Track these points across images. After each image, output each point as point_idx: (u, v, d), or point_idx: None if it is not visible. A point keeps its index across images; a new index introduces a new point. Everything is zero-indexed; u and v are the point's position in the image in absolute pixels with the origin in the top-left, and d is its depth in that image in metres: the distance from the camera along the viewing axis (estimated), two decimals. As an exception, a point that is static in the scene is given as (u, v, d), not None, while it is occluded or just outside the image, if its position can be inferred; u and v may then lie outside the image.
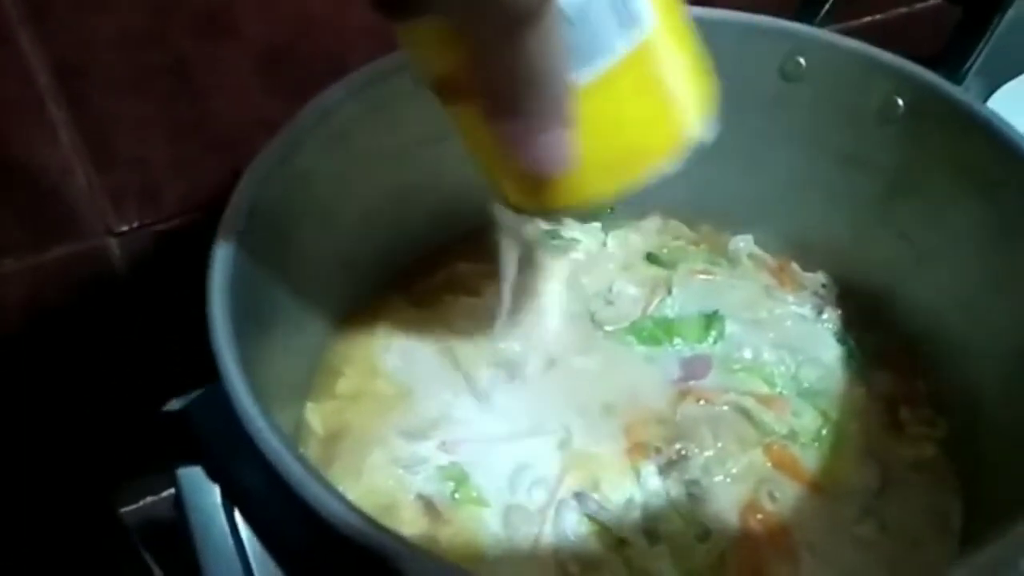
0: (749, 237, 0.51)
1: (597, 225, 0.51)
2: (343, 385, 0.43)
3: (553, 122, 0.26)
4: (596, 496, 0.38)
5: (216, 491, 0.40)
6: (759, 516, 0.38)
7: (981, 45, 0.51)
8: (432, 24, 0.26)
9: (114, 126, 0.46)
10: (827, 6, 0.54)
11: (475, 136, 0.29)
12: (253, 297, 0.34)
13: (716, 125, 0.31)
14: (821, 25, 0.54)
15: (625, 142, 0.29)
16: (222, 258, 0.33)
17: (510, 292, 0.42)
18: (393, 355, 0.44)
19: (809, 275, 0.49)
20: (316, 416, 0.42)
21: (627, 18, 0.27)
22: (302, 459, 0.27)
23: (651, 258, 0.50)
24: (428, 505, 0.38)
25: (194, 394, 0.42)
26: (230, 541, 0.38)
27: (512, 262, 0.40)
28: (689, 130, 0.30)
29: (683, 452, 0.40)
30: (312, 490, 0.25)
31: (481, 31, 0.24)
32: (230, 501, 0.37)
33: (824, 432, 0.42)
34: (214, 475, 0.37)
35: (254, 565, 0.38)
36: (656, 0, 0.27)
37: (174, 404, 0.42)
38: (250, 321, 0.33)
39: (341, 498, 0.26)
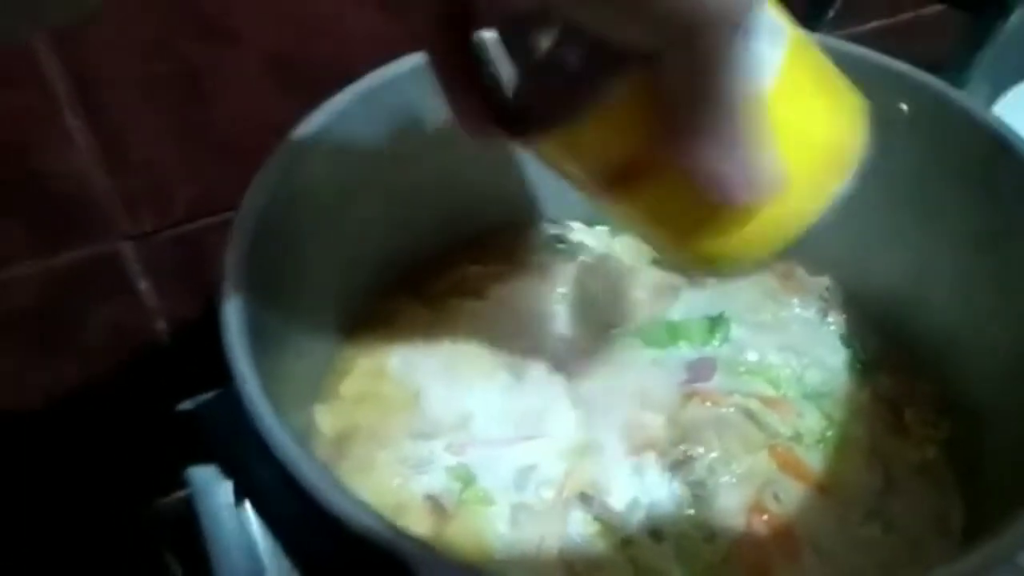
0: (754, 241, 0.51)
1: (604, 229, 0.51)
2: (351, 387, 0.43)
3: (751, 137, 0.24)
4: (602, 497, 0.39)
5: (228, 490, 0.40)
6: (764, 517, 0.39)
7: (985, 50, 0.51)
8: (601, 110, 0.24)
9: (128, 132, 0.47)
10: (831, 12, 0.54)
11: (665, 210, 0.27)
12: (264, 301, 0.35)
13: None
14: (825, 31, 0.54)
15: (819, 141, 0.27)
16: (233, 263, 0.34)
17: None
18: (401, 357, 0.44)
19: (814, 279, 0.49)
20: (325, 417, 0.42)
21: (773, 28, 0.25)
22: (314, 459, 0.27)
23: (657, 262, 0.50)
24: (435, 505, 0.38)
25: (206, 396, 0.43)
26: (242, 539, 0.39)
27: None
28: (860, 135, 0.28)
29: (688, 453, 0.40)
30: (325, 489, 0.26)
31: (681, 59, 0.22)
32: (243, 499, 0.38)
33: (828, 434, 0.42)
34: (227, 474, 0.38)
35: (266, 563, 0.38)
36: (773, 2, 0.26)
37: (187, 405, 0.42)
38: (261, 324, 0.33)
39: (353, 497, 0.26)
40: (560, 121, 0.25)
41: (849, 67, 0.43)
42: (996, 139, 0.40)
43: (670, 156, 0.24)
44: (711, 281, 0.48)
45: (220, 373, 0.31)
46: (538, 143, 0.27)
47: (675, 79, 0.22)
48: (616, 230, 0.51)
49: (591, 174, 0.27)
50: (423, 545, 0.26)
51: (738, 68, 0.22)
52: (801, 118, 0.27)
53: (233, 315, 0.32)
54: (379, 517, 0.26)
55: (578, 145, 0.26)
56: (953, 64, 0.52)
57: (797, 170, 0.26)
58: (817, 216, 0.28)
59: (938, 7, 0.64)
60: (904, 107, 0.43)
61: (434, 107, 0.29)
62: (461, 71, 0.27)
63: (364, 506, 0.26)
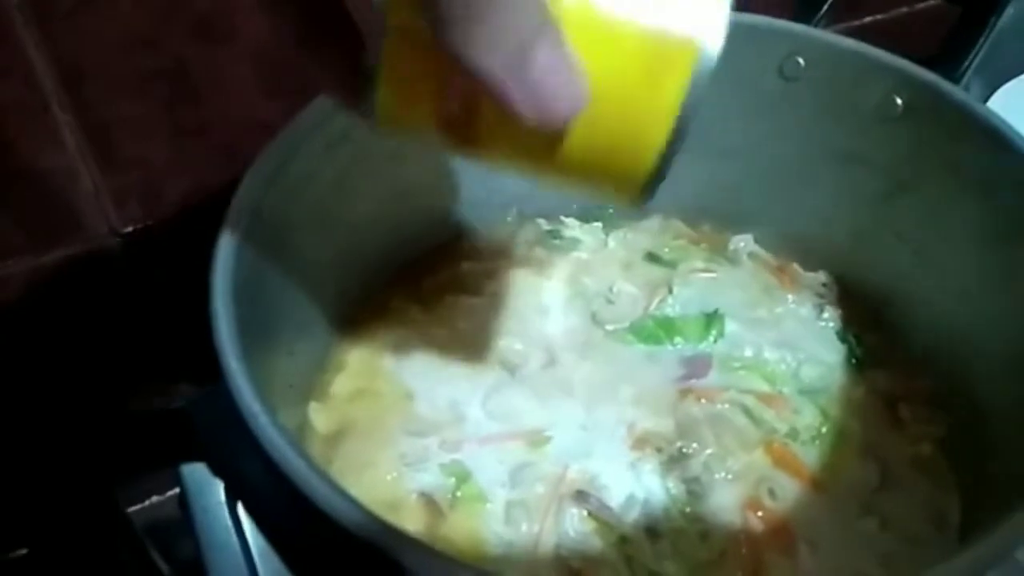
0: (749, 236, 0.51)
1: (598, 224, 0.51)
2: (346, 384, 0.43)
3: (531, 29, 0.21)
4: (597, 494, 0.39)
5: (220, 489, 0.40)
6: (760, 513, 0.39)
7: (979, 45, 0.51)
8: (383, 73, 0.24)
9: (117, 128, 0.47)
10: (826, 6, 0.54)
11: (510, 140, 0.25)
12: (255, 298, 0.35)
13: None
14: (820, 25, 0.54)
15: (629, 34, 0.23)
16: (224, 259, 0.34)
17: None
18: (395, 354, 0.44)
19: (809, 274, 0.49)
20: (319, 415, 0.42)
21: None
22: (306, 456, 0.27)
23: (652, 257, 0.50)
24: (430, 502, 0.38)
25: (196, 393, 0.42)
26: (234, 538, 0.39)
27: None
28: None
29: (684, 450, 0.40)
30: (316, 486, 0.26)
31: None
32: (235, 498, 0.38)
33: (824, 430, 0.42)
34: (218, 472, 0.37)
35: (258, 562, 0.38)
36: None
37: (176, 403, 0.42)
38: (253, 321, 0.33)
39: (345, 494, 0.26)
40: (371, 94, 0.25)
41: (844, 61, 0.44)
42: (991, 133, 0.40)
43: (454, 67, 0.21)
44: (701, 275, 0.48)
45: (211, 370, 0.31)
46: (370, 117, 0.26)
47: None
48: (610, 226, 0.51)
49: (431, 131, 0.26)
50: (414, 542, 0.25)
51: None
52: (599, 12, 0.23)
53: (223, 312, 0.32)
54: (370, 514, 0.25)
55: (401, 110, 0.25)
56: (948, 60, 0.52)
57: (608, 73, 0.23)
58: (669, 115, 0.24)
59: (933, 2, 0.65)
60: (899, 101, 0.43)
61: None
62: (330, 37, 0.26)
63: (355, 503, 0.26)
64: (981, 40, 0.51)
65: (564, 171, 0.26)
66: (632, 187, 0.26)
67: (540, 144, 0.25)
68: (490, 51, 0.21)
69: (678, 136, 0.24)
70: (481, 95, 0.22)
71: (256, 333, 0.33)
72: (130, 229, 0.50)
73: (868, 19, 0.64)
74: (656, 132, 0.24)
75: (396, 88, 0.25)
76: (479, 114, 0.25)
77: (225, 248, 0.34)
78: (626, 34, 0.23)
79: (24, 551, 0.53)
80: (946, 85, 0.42)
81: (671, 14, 0.24)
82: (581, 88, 0.22)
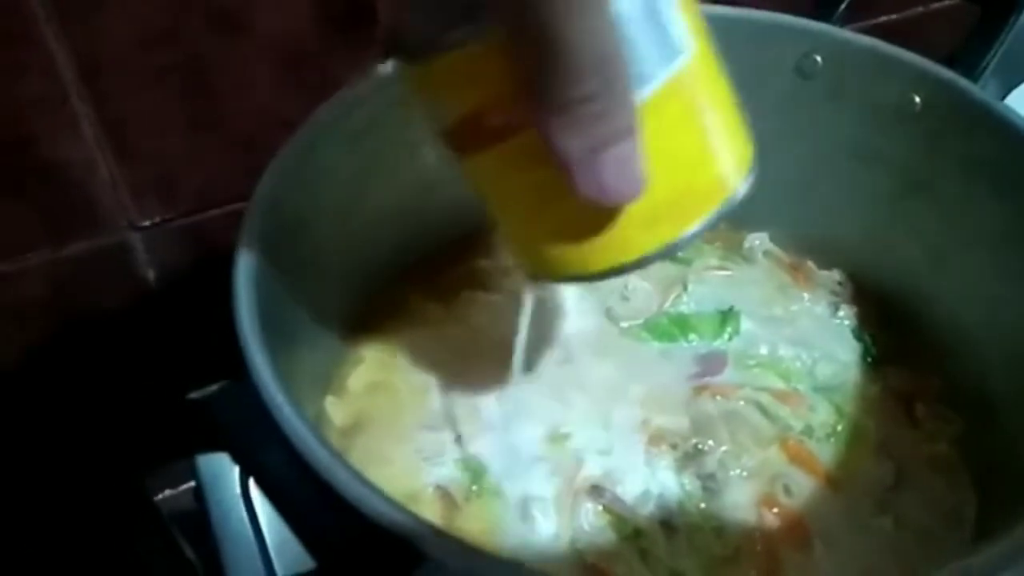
0: (764, 235, 0.51)
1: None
2: (362, 378, 0.43)
3: (623, 127, 0.23)
4: (612, 489, 0.39)
5: (235, 481, 0.40)
6: (775, 510, 0.39)
7: (998, 45, 0.51)
8: (469, 48, 0.24)
9: (135, 121, 0.47)
10: (843, 5, 0.54)
11: (504, 187, 0.27)
12: (275, 291, 0.35)
13: (754, 180, 0.29)
14: (837, 23, 0.54)
15: (673, 184, 0.26)
16: (246, 252, 0.34)
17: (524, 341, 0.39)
18: (412, 349, 0.44)
19: (825, 273, 0.49)
20: (336, 409, 0.42)
21: (666, 41, 0.25)
22: (329, 446, 0.27)
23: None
24: (445, 496, 0.38)
25: (214, 386, 0.43)
26: (249, 529, 0.39)
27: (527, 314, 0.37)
28: (734, 177, 0.28)
29: (699, 447, 0.40)
30: (340, 476, 0.26)
31: (542, 12, 0.21)
32: (252, 489, 0.38)
33: (839, 428, 0.42)
34: (240, 462, 0.38)
35: (273, 553, 0.38)
36: (692, 26, 0.26)
37: (195, 395, 0.42)
38: (272, 315, 0.33)
39: (368, 483, 0.26)
40: (428, 49, 0.25)
41: (862, 58, 0.44)
42: (1010, 132, 0.40)
43: (528, 119, 0.23)
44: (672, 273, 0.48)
45: (228, 363, 0.31)
46: (412, 77, 0.26)
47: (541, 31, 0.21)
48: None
49: (445, 119, 0.26)
50: (437, 531, 0.26)
51: (625, 48, 0.22)
52: (679, 134, 0.26)
53: (246, 305, 0.32)
54: (393, 503, 0.26)
55: (436, 84, 0.26)
56: (965, 59, 0.52)
57: (660, 188, 0.25)
58: (657, 253, 0.27)
59: (947, 2, 0.64)
60: (917, 99, 0.43)
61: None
62: None
63: (378, 492, 0.26)
64: (999, 40, 0.51)
65: (524, 220, 0.28)
66: (584, 265, 0.28)
67: (544, 194, 0.26)
68: (573, 136, 0.22)
69: (660, 255, 0.27)
70: (528, 126, 0.23)
71: (276, 326, 0.33)
72: (147, 222, 0.51)
73: (885, 18, 0.64)
74: (648, 242, 0.27)
75: (456, 63, 0.24)
76: (508, 138, 0.25)
77: (246, 243, 0.34)
78: (687, 153, 0.26)
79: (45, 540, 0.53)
80: (964, 83, 0.42)
81: (726, 157, 0.27)
82: (641, 186, 0.24)
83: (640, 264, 0.27)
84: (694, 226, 0.27)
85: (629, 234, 0.26)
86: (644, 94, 0.24)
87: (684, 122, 0.26)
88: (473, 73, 0.24)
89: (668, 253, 0.27)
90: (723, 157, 0.27)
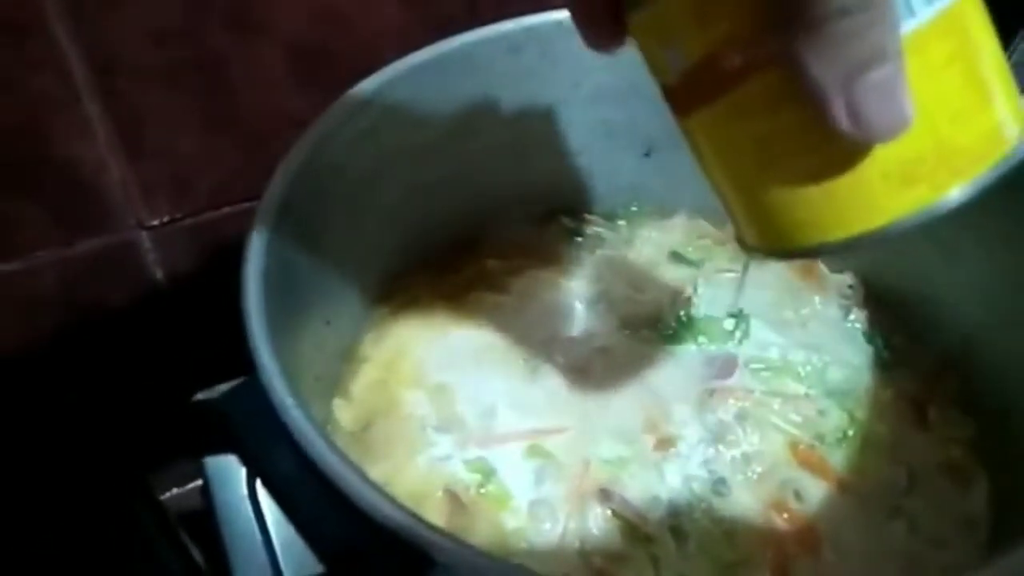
0: (775, 237, 0.50)
1: (624, 223, 0.51)
2: (371, 379, 0.43)
3: (886, 47, 0.20)
4: (621, 492, 0.38)
5: (243, 481, 0.40)
6: (785, 515, 0.38)
7: (1011, 49, 0.51)
8: None
9: (147, 120, 0.47)
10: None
11: (736, 142, 0.24)
12: (284, 291, 0.35)
13: None
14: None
15: (937, 136, 0.23)
16: (256, 251, 0.34)
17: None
18: (421, 350, 0.44)
19: (835, 276, 0.49)
20: (344, 410, 0.42)
21: None
22: (337, 449, 0.27)
23: (677, 257, 0.50)
24: (454, 498, 0.38)
25: (225, 385, 0.43)
26: (256, 530, 0.39)
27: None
28: (1010, 129, 0.23)
29: (709, 451, 0.40)
30: (348, 479, 0.26)
31: None
32: (259, 490, 0.38)
33: (851, 432, 0.42)
34: (248, 463, 0.38)
35: (279, 553, 0.38)
36: None
37: (204, 395, 0.42)
38: (282, 315, 0.33)
39: (376, 487, 0.26)
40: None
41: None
42: None
43: (771, 53, 0.21)
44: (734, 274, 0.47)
45: (237, 363, 0.31)
46: (632, 18, 0.24)
47: None
48: (635, 225, 0.51)
49: (676, 65, 0.24)
50: (445, 535, 0.25)
51: None
52: (946, 78, 0.22)
53: (255, 305, 0.32)
54: (402, 507, 0.26)
55: (664, 27, 0.23)
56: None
57: (920, 139, 0.22)
58: (918, 210, 0.23)
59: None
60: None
61: (453, 98, 0.28)
62: None
63: (387, 496, 0.26)
64: (1012, 44, 0.51)
65: (757, 180, 0.24)
66: (823, 232, 0.24)
67: (782, 146, 0.23)
68: (828, 59, 0.20)
69: (915, 222, 0.23)
70: (769, 65, 0.21)
71: (285, 327, 0.33)
72: (157, 221, 0.51)
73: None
74: (902, 204, 0.23)
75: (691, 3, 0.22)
76: (745, 82, 0.23)
77: (256, 241, 0.34)
78: (954, 101, 0.23)
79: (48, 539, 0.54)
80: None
81: (1001, 108, 0.23)
82: (907, 119, 0.21)
83: (889, 233, 0.23)
84: (959, 187, 0.23)
85: (881, 194, 0.23)
86: (908, 28, 0.21)
87: (953, 64, 0.22)
88: (706, 8, 0.22)
89: (924, 219, 0.23)
90: (997, 108, 0.23)
